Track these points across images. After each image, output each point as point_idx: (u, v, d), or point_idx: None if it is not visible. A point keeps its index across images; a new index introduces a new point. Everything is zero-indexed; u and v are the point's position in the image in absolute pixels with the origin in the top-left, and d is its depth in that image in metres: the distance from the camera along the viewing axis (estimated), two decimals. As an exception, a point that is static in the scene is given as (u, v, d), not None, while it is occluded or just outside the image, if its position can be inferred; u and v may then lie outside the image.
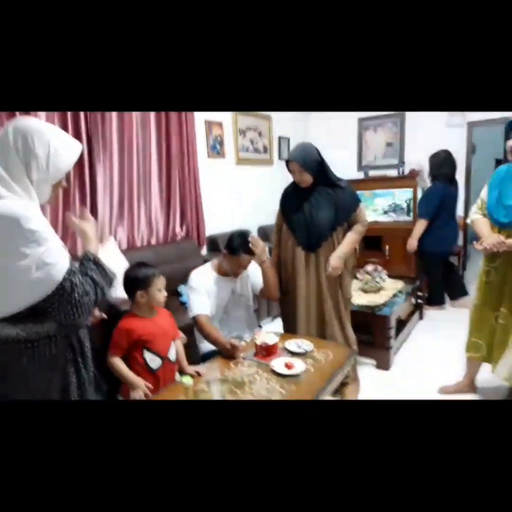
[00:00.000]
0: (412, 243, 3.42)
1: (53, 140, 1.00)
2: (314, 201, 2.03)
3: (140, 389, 1.47)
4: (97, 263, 1.10)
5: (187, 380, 1.42)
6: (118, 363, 1.53)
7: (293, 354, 1.73)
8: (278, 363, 1.61)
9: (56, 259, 0.97)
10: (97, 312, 1.29)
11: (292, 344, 1.79)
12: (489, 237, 1.79)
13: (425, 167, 4.37)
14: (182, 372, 1.65)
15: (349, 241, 2.05)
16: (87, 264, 1.07)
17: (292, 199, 2.12)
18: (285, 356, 1.70)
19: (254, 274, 2.06)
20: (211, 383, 1.52)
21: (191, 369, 1.63)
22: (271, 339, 1.72)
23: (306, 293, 2.09)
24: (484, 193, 1.95)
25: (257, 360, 1.69)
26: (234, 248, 1.87)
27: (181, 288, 2.84)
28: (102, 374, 2.02)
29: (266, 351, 1.71)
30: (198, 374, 1.60)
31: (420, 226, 3.37)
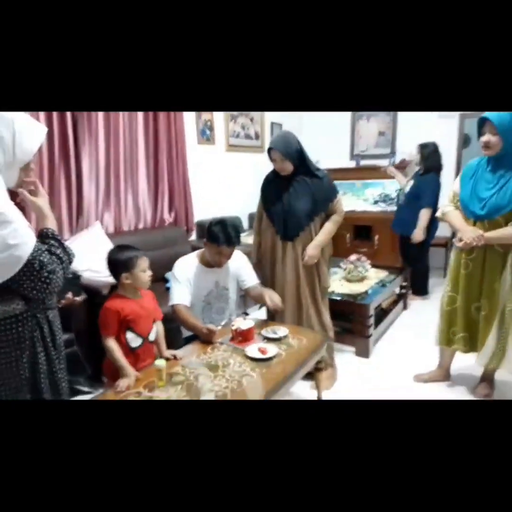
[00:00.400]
0: (419, 233, 3.31)
1: (17, 124, 1.01)
2: (293, 191, 2.05)
3: (128, 379, 1.44)
4: (58, 240, 1.11)
5: (160, 362, 1.46)
6: (113, 346, 1.53)
7: (269, 340, 1.78)
8: (251, 349, 1.66)
9: (21, 239, 0.98)
10: (69, 295, 1.31)
11: (269, 331, 1.84)
12: (468, 231, 1.82)
13: (417, 157, 4.39)
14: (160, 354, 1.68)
15: (326, 231, 2.09)
16: (49, 241, 1.08)
17: (272, 188, 2.14)
18: (261, 342, 1.75)
19: (244, 269, 2.04)
20: (186, 366, 1.56)
21: (168, 352, 1.66)
22: (246, 325, 1.76)
23: (283, 281, 2.13)
24: (456, 186, 1.97)
25: (233, 345, 1.73)
26: (212, 236, 1.84)
27: (168, 274, 2.86)
28: (86, 356, 2.08)
29: (242, 336, 1.75)
30: (175, 357, 1.64)
31: (426, 216, 3.29)
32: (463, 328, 1.98)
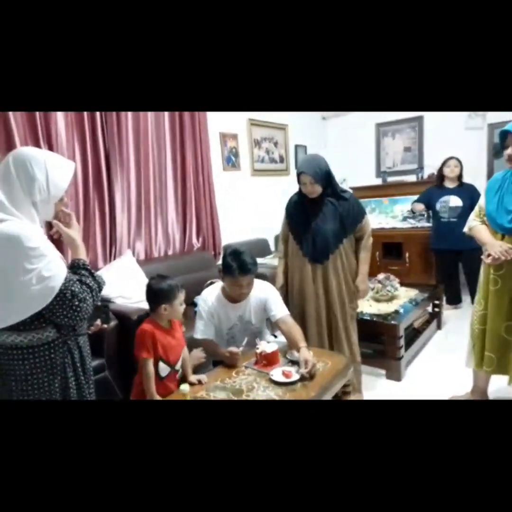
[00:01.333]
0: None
1: (48, 163, 1.12)
2: (321, 214, 2.05)
3: None
4: (88, 270, 1.20)
5: (184, 387, 1.50)
6: (151, 371, 1.54)
7: (293, 363, 1.77)
8: (276, 372, 1.66)
9: (54, 271, 1.07)
10: (98, 322, 1.38)
11: (294, 353, 1.83)
12: (495, 246, 1.76)
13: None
14: (185, 379, 1.72)
15: (365, 260, 2.12)
16: (80, 271, 1.17)
17: (299, 211, 2.15)
18: (286, 365, 1.74)
19: (271, 300, 1.94)
20: (211, 391, 1.59)
21: (194, 377, 1.68)
22: (270, 348, 1.76)
23: (315, 305, 2.11)
24: (482, 200, 1.92)
25: (257, 369, 1.74)
26: (226, 268, 1.79)
27: (197, 299, 2.92)
28: (117, 381, 2.14)
29: (266, 360, 1.76)
30: (200, 382, 1.66)
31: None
32: (491, 348, 1.89)
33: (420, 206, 3.75)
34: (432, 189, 3.69)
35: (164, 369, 1.62)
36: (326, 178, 2.00)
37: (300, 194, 2.13)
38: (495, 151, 4.13)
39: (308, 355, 1.67)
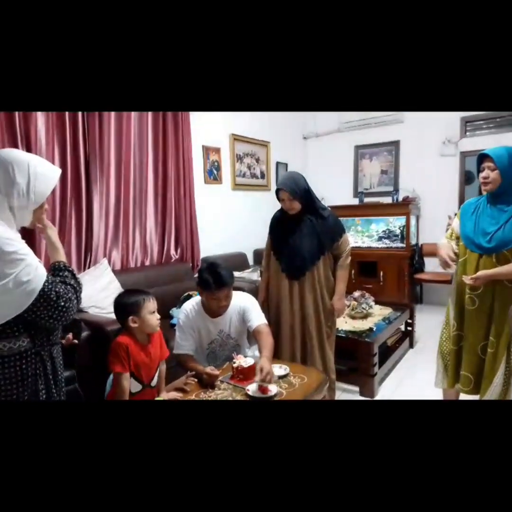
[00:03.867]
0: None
1: (32, 168, 1.08)
2: (299, 231, 2.07)
3: None
4: (70, 271, 1.17)
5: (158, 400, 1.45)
6: (127, 386, 1.49)
7: (269, 378, 1.76)
8: (252, 387, 1.64)
9: (33, 275, 1.03)
10: (69, 336, 1.34)
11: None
12: (444, 247, 1.90)
13: (419, 195, 4.47)
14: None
15: (342, 278, 2.14)
16: (63, 273, 1.15)
17: (279, 227, 2.17)
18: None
19: (250, 310, 1.92)
20: (185, 405, 1.55)
21: (166, 395, 1.62)
22: (247, 363, 1.75)
23: (290, 320, 2.12)
24: (455, 223, 1.99)
25: (233, 384, 1.72)
26: (203, 282, 1.78)
27: (173, 311, 2.88)
28: (87, 394, 2.06)
29: (243, 374, 1.74)
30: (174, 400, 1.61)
31: None
32: (466, 367, 1.92)
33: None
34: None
35: (135, 385, 1.56)
36: (304, 195, 2.02)
37: (282, 211, 2.16)
38: (466, 178, 4.34)
39: (265, 364, 1.62)
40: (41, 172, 1.10)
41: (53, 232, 1.20)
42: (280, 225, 2.16)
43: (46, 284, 1.06)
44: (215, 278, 1.76)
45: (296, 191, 1.99)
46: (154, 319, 1.57)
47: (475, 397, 1.98)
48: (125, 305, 1.55)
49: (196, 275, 3.58)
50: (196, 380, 1.73)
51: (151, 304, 1.57)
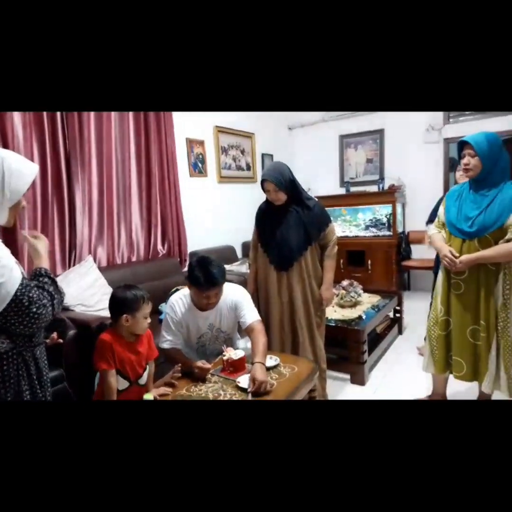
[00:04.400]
0: None
1: (6, 163, 1.04)
2: (285, 222, 2.06)
3: None
4: (51, 278, 1.14)
5: (148, 397, 1.44)
6: (113, 384, 1.46)
7: (260, 369, 1.76)
8: (243, 379, 1.64)
9: (6, 277, 1.00)
10: (54, 335, 1.31)
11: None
12: (443, 250, 1.87)
13: (405, 183, 4.50)
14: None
15: (329, 268, 2.13)
16: (42, 279, 1.11)
17: (266, 219, 2.16)
18: (253, 372, 1.73)
19: (242, 305, 1.88)
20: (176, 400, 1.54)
21: (155, 391, 1.59)
22: (237, 355, 1.75)
23: (280, 311, 2.12)
24: (441, 211, 2.01)
25: (224, 376, 1.71)
26: (193, 280, 1.72)
27: (162, 307, 2.85)
28: (76, 392, 2.04)
29: (233, 367, 1.73)
30: (164, 395, 1.60)
31: None
32: (457, 352, 1.94)
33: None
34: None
35: (121, 382, 1.53)
36: (289, 185, 2.01)
37: (267, 202, 2.14)
38: (451, 165, 4.38)
39: (258, 374, 1.55)
40: (16, 169, 1.06)
41: (41, 242, 1.17)
42: (266, 217, 2.15)
43: (20, 287, 1.02)
44: (206, 276, 1.69)
45: (281, 181, 1.97)
46: (145, 323, 1.54)
47: (467, 384, 2.01)
48: (123, 301, 1.49)
49: (184, 269, 3.56)
50: (180, 374, 1.71)
51: (147, 308, 1.53)
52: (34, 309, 1.03)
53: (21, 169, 1.08)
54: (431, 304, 2.14)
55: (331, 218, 2.19)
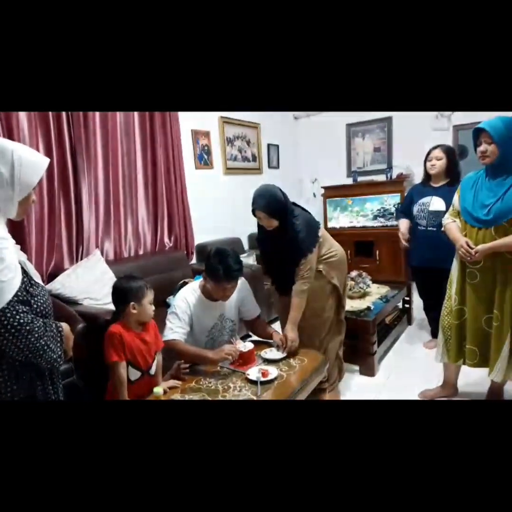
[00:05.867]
0: None
1: (16, 157, 1.02)
2: (280, 246, 1.94)
3: None
4: (60, 332, 1.13)
5: (157, 390, 1.45)
6: (123, 375, 1.48)
7: (269, 361, 1.76)
8: (252, 371, 1.64)
9: (10, 277, 0.99)
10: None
11: (268, 352, 1.82)
12: (459, 241, 1.83)
13: (413, 171, 4.42)
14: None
15: (297, 307, 1.93)
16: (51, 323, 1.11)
17: (264, 242, 2.10)
18: (262, 364, 1.73)
19: (247, 299, 1.94)
20: (186, 393, 1.54)
21: (164, 384, 1.60)
22: (246, 347, 1.74)
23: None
24: (455, 199, 1.97)
25: (233, 369, 1.71)
26: (212, 271, 1.71)
27: (170, 300, 2.85)
28: (86, 386, 2.05)
29: (242, 359, 1.73)
30: (173, 387, 1.60)
31: None
32: (472, 341, 1.92)
33: (404, 224, 2.88)
34: (415, 187, 2.93)
35: (133, 373, 1.56)
36: (279, 212, 1.88)
37: (261, 227, 2.02)
38: (460, 152, 4.29)
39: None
40: (27, 161, 1.04)
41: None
42: (265, 241, 2.07)
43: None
44: (225, 270, 1.68)
45: (271, 209, 1.86)
46: (151, 309, 1.58)
47: (481, 371, 1.99)
48: (128, 291, 1.52)
49: (191, 262, 3.56)
50: (187, 366, 1.70)
51: (151, 294, 1.57)
52: (16, 324, 1.00)
53: (32, 161, 1.06)
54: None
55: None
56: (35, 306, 1.07)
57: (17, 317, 0.99)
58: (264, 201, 1.88)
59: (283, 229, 1.90)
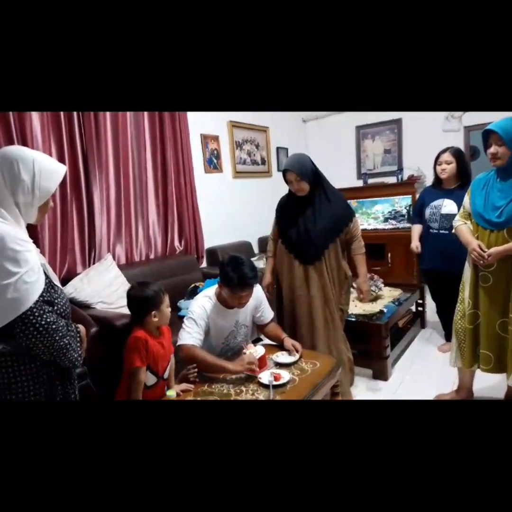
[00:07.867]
0: None
1: (37, 165, 1.07)
2: (310, 214, 2.00)
3: None
4: (79, 333, 1.18)
5: (171, 393, 1.45)
6: (142, 380, 1.47)
7: (281, 365, 1.74)
8: (265, 375, 1.62)
9: (35, 278, 1.02)
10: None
11: (280, 355, 1.81)
12: (471, 244, 1.79)
13: (424, 173, 4.38)
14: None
15: (362, 262, 2.15)
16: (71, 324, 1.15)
17: (287, 212, 2.10)
18: (274, 368, 1.72)
19: (263, 304, 1.96)
20: (198, 396, 1.54)
21: (177, 388, 1.61)
22: (258, 352, 1.73)
23: (309, 305, 2.06)
24: (466, 200, 1.94)
25: (245, 373, 1.70)
26: (227, 279, 1.69)
27: (181, 303, 2.86)
28: (99, 389, 2.06)
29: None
30: (186, 391, 1.60)
31: None
32: (486, 346, 1.87)
33: (416, 231, 2.92)
34: (427, 189, 2.89)
35: (151, 378, 1.55)
36: (312, 175, 1.97)
37: (290, 195, 2.10)
38: (472, 153, 4.24)
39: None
40: (46, 169, 1.10)
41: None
42: (290, 210, 2.08)
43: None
44: (240, 278, 1.67)
45: (303, 171, 1.94)
46: (168, 312, 1.58)
47: (498, 375, 1.94)
48: (146, 299, 1.51)
49: (202, 266, 3.57)
50: (196, 372, 1.68)
51: (167, 298, 1.58)
52: (43, 323, 1.05)
53: (50, 169, 1.12)
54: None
55: (354, 212, 2.15)
56: (56, 307, 1.11)
57: (44, 316, 1.03)
58: (296, 163, 1.95)
59: (314, 196, 1.98)
